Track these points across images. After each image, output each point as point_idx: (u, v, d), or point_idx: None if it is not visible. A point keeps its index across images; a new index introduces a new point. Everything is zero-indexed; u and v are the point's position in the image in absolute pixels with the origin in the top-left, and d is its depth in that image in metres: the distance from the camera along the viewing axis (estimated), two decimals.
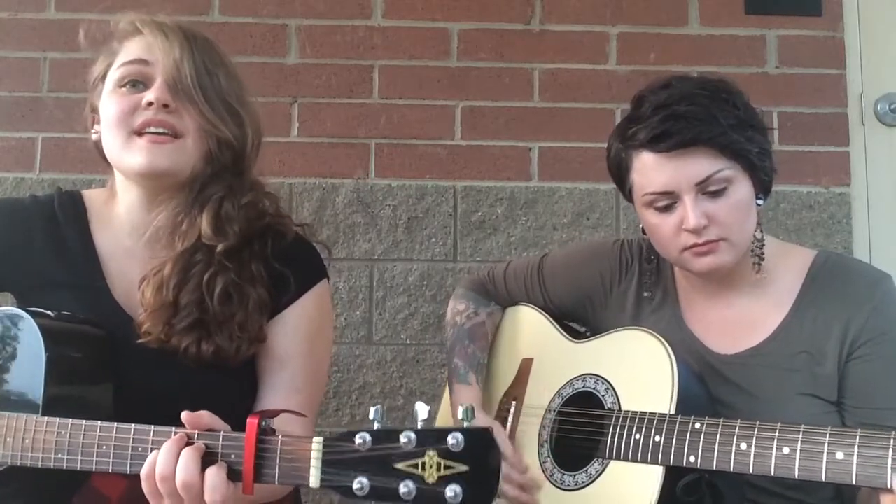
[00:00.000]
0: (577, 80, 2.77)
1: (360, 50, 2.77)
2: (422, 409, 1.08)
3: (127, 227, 1.63)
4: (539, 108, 2.77)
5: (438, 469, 1.02)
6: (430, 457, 1.02)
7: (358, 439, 1.07)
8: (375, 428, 1.08)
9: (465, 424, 1.05)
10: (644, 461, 1.53)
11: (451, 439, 1.02)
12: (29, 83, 2.72)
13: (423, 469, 1.02)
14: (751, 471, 1.43)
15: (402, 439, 1.04)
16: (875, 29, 2.84)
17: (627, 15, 2.80)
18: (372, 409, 1.10)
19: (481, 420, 1.75)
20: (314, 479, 1.11)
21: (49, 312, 1.48)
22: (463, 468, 1.01)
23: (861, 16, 2.84)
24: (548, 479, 1.67)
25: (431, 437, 1.04)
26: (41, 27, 2.74)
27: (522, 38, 2.79)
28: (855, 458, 1.33)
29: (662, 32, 2.79)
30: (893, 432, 1.33)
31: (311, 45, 2.76)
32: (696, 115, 1.55)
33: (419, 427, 1.06)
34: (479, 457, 1.02)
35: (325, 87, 2.75)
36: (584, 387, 1.71)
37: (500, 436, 1.73)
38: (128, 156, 1.53)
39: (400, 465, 1.04)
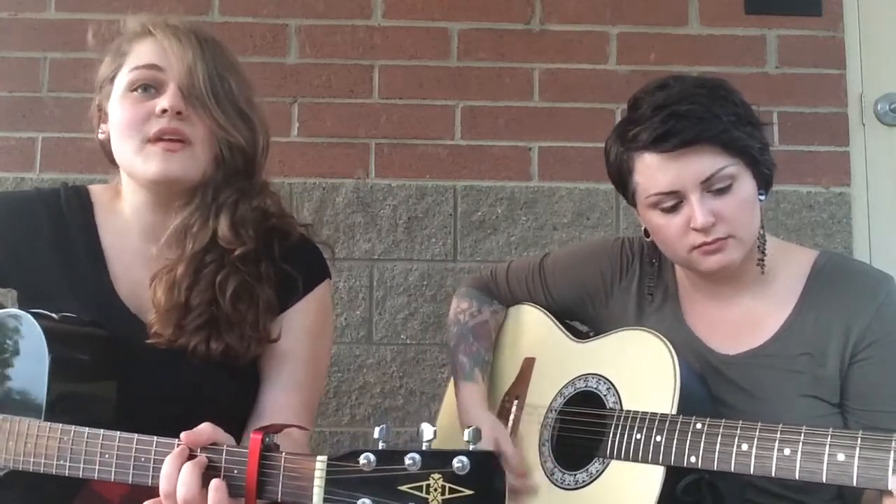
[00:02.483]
0: (577, 80, 2.77)
1: (360, 50, 2.76)
2: (427, 430, 1.07)
3: (134, 228, 1.62)
4: (539, 108, 2.76)
5: (443, 492, 1.01)
6: (435, 479, 1.02)
7: (362, 459, 1.07)
8: (380, 448, 1.08)
9: (471, 447, 1.04)
10: (645, 461, 1.53)
11: (456, 462, 1.02)
12: (29, 83, 2.71)
13: (428, 492, 1.02)
14: (751, 472, 1.43)
15: (407, 461, 1.04)
16: (875, 29, 2.83)
17: (627, 15, 2.79)
18: (377, 429, 1.09)
19: (486, 420, 1.76)
20: (317, 498, 1.10)
21: (52, 314, 1.48)
22: (468, 492, 1.01)
23: (861, 16, 2.83)
24: (548, 477, 1.68)
25: (437, 459, 1.04)
26: (41, 27, 2.72)
27: (522, 38, 2.78)
28: (856, 459, 1.33)
29: (662, 32, 2.78)
30: (895, 434, 1.33)
31: (311, 45, 2.75)
32: (697, 113, 1.55)
33: (424, 448, 1.06)
34: (485, 480, 1.02)
35: (325, 87, 2.74)
36: (585, 386, 1.71)
37: (503, 435, 1.73)
38: (141, 162, 1.52)
39: (404, 487, 1.03)
